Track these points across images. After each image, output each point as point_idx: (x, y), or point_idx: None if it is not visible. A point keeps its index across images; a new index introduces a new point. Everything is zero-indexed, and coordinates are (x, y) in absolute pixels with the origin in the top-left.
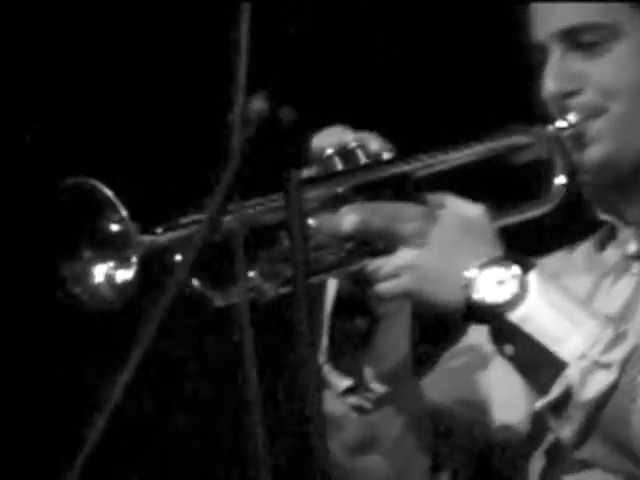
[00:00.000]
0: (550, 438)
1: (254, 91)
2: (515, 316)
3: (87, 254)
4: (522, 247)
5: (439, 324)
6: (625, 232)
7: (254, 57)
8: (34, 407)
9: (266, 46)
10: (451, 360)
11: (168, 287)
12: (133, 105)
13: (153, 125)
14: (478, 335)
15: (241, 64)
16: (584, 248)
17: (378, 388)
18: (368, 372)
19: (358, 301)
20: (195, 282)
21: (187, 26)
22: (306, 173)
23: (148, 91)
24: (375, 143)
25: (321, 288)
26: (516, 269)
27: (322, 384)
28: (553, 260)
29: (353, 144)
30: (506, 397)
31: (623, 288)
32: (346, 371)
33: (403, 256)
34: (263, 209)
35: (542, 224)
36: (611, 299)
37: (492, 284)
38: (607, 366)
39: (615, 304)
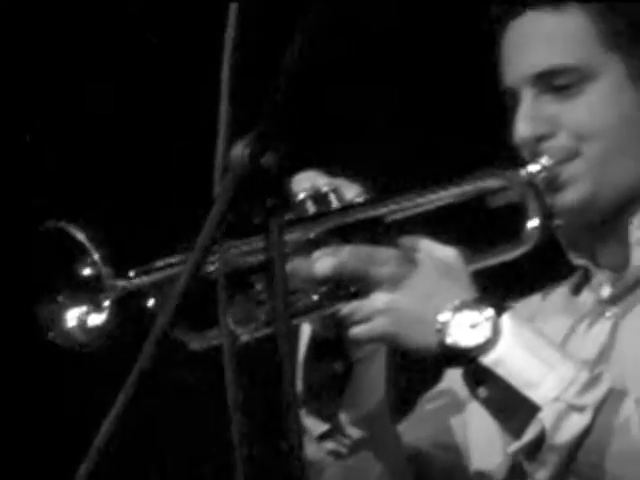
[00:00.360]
0: None
1: (237, 137)
2: (488, 359)
3: (62, 298)
4: (497, 290)
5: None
6: (599, 276)
7: (237, 103)
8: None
9: (250, 92)
10: (428, 404)
11: (151, 331)
12: (114, 147)
13: (133, 169)
14: (454, 378)
15: (224, 110)
16: (559, 292)
17: (354, 433)
18: (344, 416)
19: (333, 345)
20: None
21: (168, 69)
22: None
23: (131, 133)
24: (348, 187)
25: (295, 332)
26: (489, 312)
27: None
28: (528, 304)
29: (326, 188)
30: (483, 441)
31: (598, 333)
32: (322, 416)
33: (378, 299)
34: (237, 253)
35: (517, 267)
36: (586, 344)
37: (465, 327)
38: (581, 409)
39: (590, 349)
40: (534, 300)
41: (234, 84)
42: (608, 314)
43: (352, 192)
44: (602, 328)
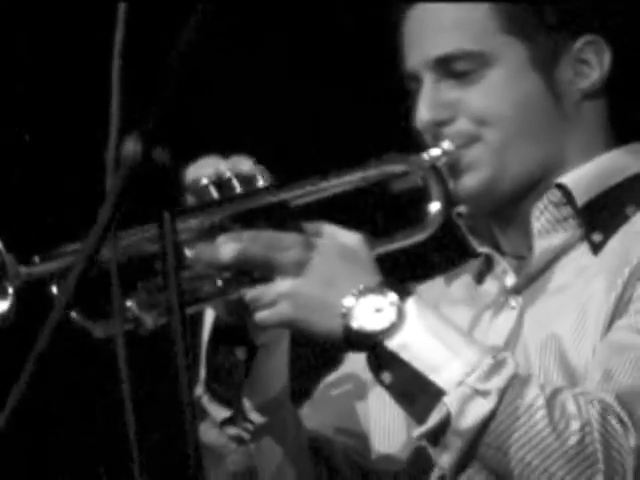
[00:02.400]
0: None
1: (129, 131)
2: (393, 344)
3: None
4: (400, 273)
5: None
6: (502, 264)
7: (129, 96)
8: None
9: (140, 85)
10: (330, 388)
11: (48, 319)
12: (12, 138)
13: (32, 157)
14: (355, 360)
15: (115, 104)
16: (463, 279)
17: (257, 418)
18: (247, 402)
19: (236, 330)
20: (74, 314)
21: (61, 60)
22: (182, 203)
23: (29, 124)
24: (250, 168)
25: (199, 318)
26: (394, 296)
27: (200, 415)
28: (431, 287)
29: (228, 173)
30: (386, 426)
31: (503, 323)
32: (224, 401)
33: (281, 285)
34: (138, 240)
35: (420, 249)
36: (491, 334)
37: (370, 312)
38: (485, 394)
39: (496, 339)
40: (437, 284)
41: (124, 78)
42: (513, 303)
43: (253, 172)
44: (507, 318)
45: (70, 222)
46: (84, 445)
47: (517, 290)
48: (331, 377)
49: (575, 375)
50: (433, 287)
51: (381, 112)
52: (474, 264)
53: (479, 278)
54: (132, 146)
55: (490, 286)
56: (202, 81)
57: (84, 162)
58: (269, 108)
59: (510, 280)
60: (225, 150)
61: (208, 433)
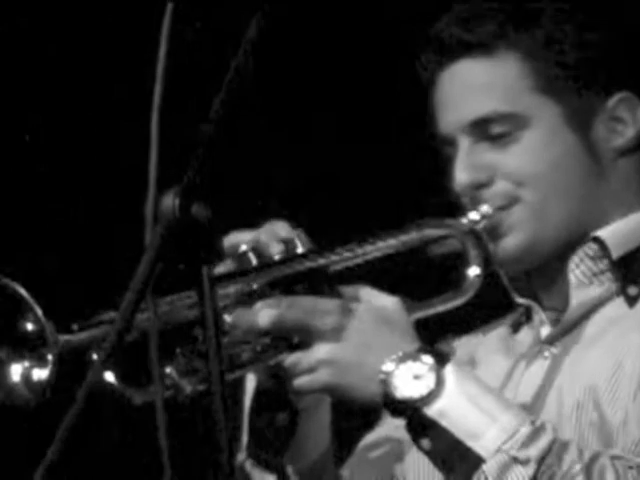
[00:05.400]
0: None
1: (167, 187)
2: (432, 411)
3: (3, 353)
4: (440, 327)
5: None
6: (540, 315)
7: (167, 152)
8: None
9: (179, 141)
10: (369, 450)
11: (83, 386)
12: (49, 200)
13: (68, 222)
14: (394, 421)
15: (153, 157)
16: (500, 330)
17: None
18: (290, 467)
19: (278, 395)
20: (113, 380)
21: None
22: (221, 269)
23: (64, 184)
24: (287, 232)
25: (240, 384)
26: (432, 363)
27: None
28: (469, 342)
29: (267, 240)
30: None
31: (535, 372)
32: (268, 467)
33: (320, 350)
34: (177, 306)
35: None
36: (524, 384)
37: (409, 378)
38: (524, 462)
39: (528, 389)
40: (475, 338)
41: (163, 135)
42: (546, 354)
43: (294, 242)
44: (539, 367)
45: (110, 281)
46: None
47: (551, 341)
48: (369, 437)
49: (609, 431)
50: (471, 340)
51: (421, 177)
52: (512, 316)
53: (515, 328)
54: (171, 201)
55: (525, 336)
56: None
57: (122, 218)
58: (311, 170)
59: (545, 331)
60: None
61: None
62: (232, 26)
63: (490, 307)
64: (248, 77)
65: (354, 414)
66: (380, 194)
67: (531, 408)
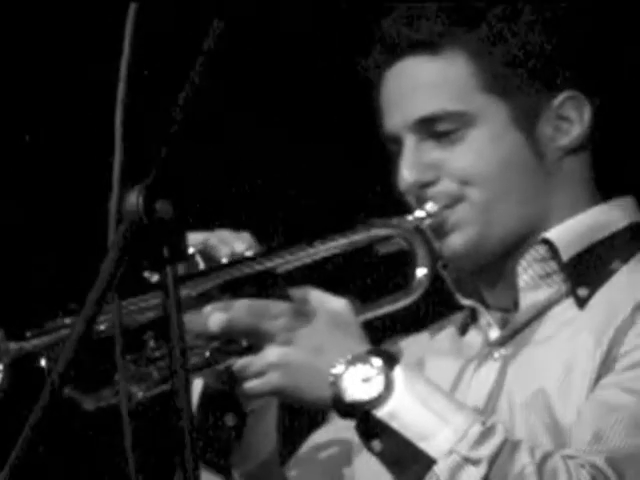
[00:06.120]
0: None
1: (131, 185)
2: (381, 413)
3: None
4: (385, 329)
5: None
6: (486, 316)
7: (131, 151)
8: None
9: (142, 140)
10: (316, 449)
11: (43, 392)
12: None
13: (26, 221)
14: (341, 422)
15: (117, 158)
16: (447, 332)
17: None
18: (236, 468)
19: (225, 397)
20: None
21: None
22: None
23: (20, 182)
24: (236, 240)
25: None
26: (382, 365)
27: None
28: (415, 342)
29: (215, 243)
30: None
31: (485, 374)
32: (214, 468)
33: (270, 354)
34: (129, 310)
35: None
36: (474, 387)
37: (358, 381)
38: (476, 462)
39: (479, 392)
40: (422, 338)
41: (127, 131)
42: (496, 355)
43: (240, 243)
44: (490, 370)
45: (69, 283)
46: None
47: (501, 342)
48: (317, 436)
49: (560, 431)
50: (418, 340)
51: (367, 175)
52: (458, 317)
53: (463, 330)
54: (135, 199)
55: (474, 338)
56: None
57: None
58: (263, 169)
59: (494, 333)
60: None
61: None
62: (194, 24)
63: (436, 307)
64: (208, 76)
65: (302, 413)
66: (327, 194)
67: (483, 411)
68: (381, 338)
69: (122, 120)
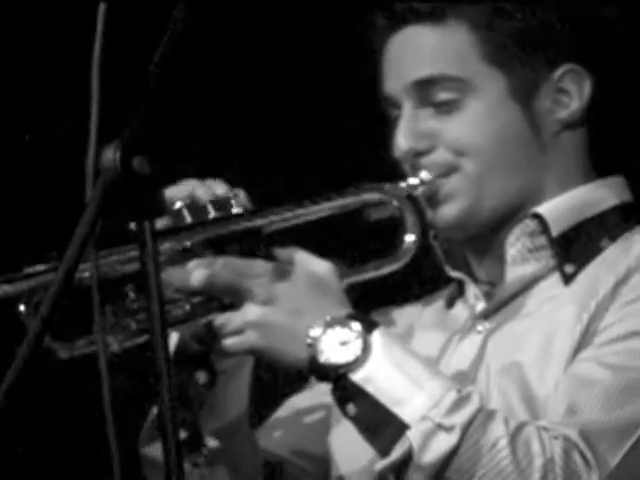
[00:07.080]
0: None
1: (108, 140)
2: (357, 376)
3: None
4: (376, 299)
5: None
6: (473, 289)
7: (109, 106)
8: None
9: (121, 95)
10: (293, 410)
11: (26, 339)
12: None
13: (6, 175)
14: (321, 388)
15: (94, 112)
16: (436, 305)
17: (212, 443)
18: (204, 426)
19: (199, 355)
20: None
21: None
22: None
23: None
24: (225, 192)
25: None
26: (360, 329)
27: (155, 434)
28: (407, 312)
29: (204, 198)
30: (347, 452)
31: (468, 347)
32: (182, 424)
33: (250, 312)
34: (109, 262)
35: (395, 276)
36: (456, 359)
37: (336, 344)
38: (449, 429)
39: (460, 364)
40: (414, 310)
41: (104, 87)
42: (479, 328)
43: (230, 202)
44: (472, 342)
45: (48, 234)
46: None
47: (486, 315)
48: (297, 399)
49: (536, 403)
50: (409, 312)
51: (362, 139)
52: (447, 291)
53: (450, 303)
54: (112, 155)
55: (460, 311)
56: (183, 91)
57: (62, 174)
58: (252, 125)
59: (480, 306)
60: (206, 163)
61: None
62: None
63: (430, 279)
64: (185, 32)
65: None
66: (321, 159)
67: (462, 382)
68: (375, 307)
69: (99, 76)
